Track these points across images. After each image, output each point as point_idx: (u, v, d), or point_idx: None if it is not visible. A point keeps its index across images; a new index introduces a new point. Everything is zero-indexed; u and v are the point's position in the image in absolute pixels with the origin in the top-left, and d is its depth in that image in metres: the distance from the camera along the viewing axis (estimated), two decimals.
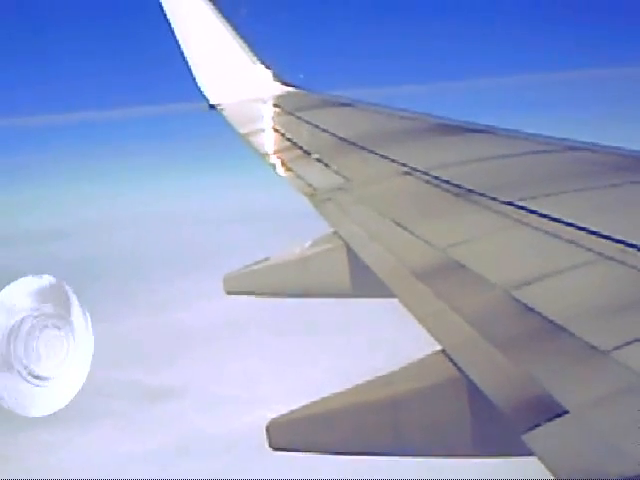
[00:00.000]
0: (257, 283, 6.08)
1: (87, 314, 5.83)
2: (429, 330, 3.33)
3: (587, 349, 2.73)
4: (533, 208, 4.38)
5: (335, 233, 5.45)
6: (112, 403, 21.67)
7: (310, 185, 6.39)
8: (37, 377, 5.66)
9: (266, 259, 6.09)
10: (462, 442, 3.23)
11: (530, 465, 2.44)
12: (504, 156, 6.14)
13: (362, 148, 7.13)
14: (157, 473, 17.58)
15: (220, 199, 41.59)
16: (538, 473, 2.33)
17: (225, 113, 10.91)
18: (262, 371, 22.38)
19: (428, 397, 3.25)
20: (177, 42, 11.86)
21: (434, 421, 3.27)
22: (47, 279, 5.85)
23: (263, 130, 9.82)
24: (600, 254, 3.54)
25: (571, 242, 3.77)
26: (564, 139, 6.45)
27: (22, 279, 5.84)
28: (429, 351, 3.33)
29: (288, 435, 3.52)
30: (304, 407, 3.48)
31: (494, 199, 4.73)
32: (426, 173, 5.75)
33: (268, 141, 9.04)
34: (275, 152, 8.24)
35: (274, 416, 3.55)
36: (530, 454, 2.37)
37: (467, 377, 2.94)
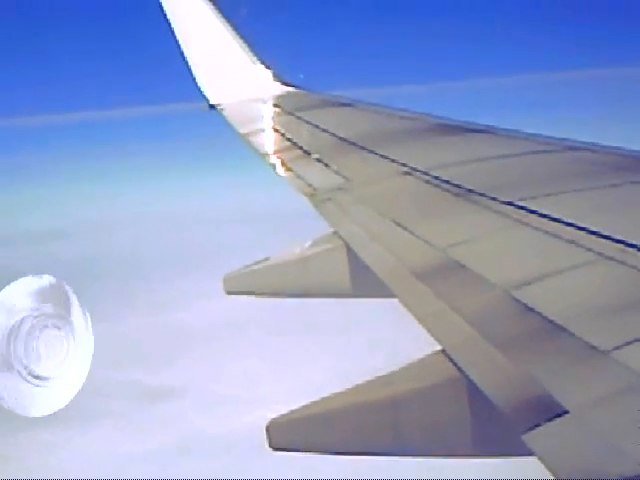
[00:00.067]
0: (257, 283, 6.08)
1: (87, 314, 5.83)
2: (429, 330, 3.33)
3: (587, 349, 2.73)
4: (533, 208, 4.38)
5: (335, 233, 5.45)
6: (112, 403, 21.67)
7: (310, 185, 6.39)
8: (37, 377, 5.66)
9: (266, 259, 6.09)
10: (462, 442, 3.23)
11: (530, 465, 2.44)
12: (504, 156, 6.14)
13: (362, 148, 7.13)
14: (157, 473, 17.58)
15: (220, 199, 41.59)
16: (538, 473, 2.33)
17: (225, 113, 10.91)
18: (262, 371, 22.38)
19: (428, 397, 3.25)
20: (177, 42, 11.86)
21: (434, 421, 3.27)
22: (47, 279, 5.85)
23: (263, 130, 9.82)
24: (600, 254, 3.54)
25: (571, 242, 3.77)
26: (564, 139, 6.45)
27: (22, 279, 5.84)
28: (429, 351, 3.33)
29: (288, 435, 3.52)
30: (304, 407, 3.48)
31: (494, 199, 4.73)
32: (426, 173, 5.75)
33: (268, 141, 9.04)
34: (275, 152, 8.24)
35: (274, 416, 3.55)
36: (530, 454, 2.37)
37: (467, 377, 2.94)
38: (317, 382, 19.44)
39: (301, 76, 12.24)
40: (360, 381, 3.50)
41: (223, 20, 11.93)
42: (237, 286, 6.10)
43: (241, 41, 11.92)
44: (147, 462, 18.24)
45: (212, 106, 11.48)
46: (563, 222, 4.04)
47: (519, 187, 4.96)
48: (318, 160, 7.11)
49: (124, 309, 27.76)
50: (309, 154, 7.42)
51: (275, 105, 11.04)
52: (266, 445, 3.52)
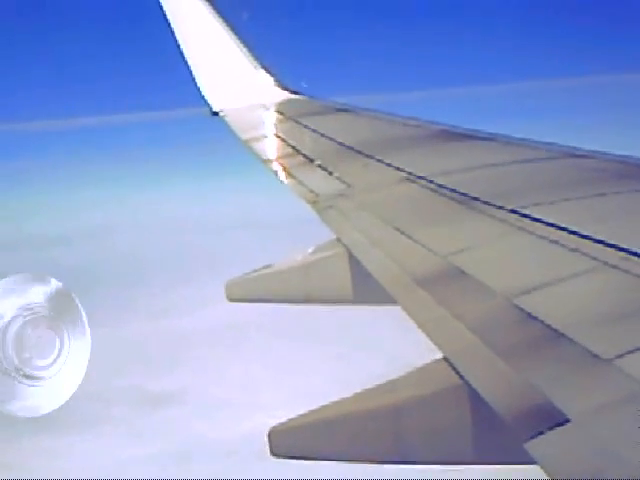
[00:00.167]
0: (259, 290, 6.07)
1: (83, 314, 5.81)
2: (430, 337, 3.33)
3: (589, 357, 2.73)
4: (535, 215, 4.38)
5: (337, 240, 5.45)
6: (113, 408, 21.67)
7: (312, 191, 6.39)
8: (30, 377, 5.64)
9: (268, 266, 6.09)
10: (464, 450, 3.23)
11: (532, 473, 2.44)
12: (506, 163, 6.14)
13: (364, 155, 7.14)
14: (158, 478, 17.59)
15: (222, 205, 41.61)
16: None
17: (227, 119, 10.91)
18: (263, 377, 22.37)
19: (430, 405, 3.25)
20: (179, 48, 11.87)
21: (436, 429, 3.26)
22: (40, 278, 5.83)
23: (265, 136, 9.83)
24: (603, 262, 3.54)
25: (574, 250, 3.76)
26: (565, 146, 6.45)
27: (8, 278, 5.81)
28: (431, 358, 3.33)
29: (289, 442, 3.52)
30: (305, 414, 3.48)
31: (496, 206, 4.73)
32: (428, 180, 5.75)
33: (270, 147, 9.05)
34: (277, 158, 8.25)
35: (275, 422, 3.55)
36: (532, 462, 2.37)
37: (469, 384, 2.94)
38: (318, 388, 19.42)
39: (304, 85, 12.24)
40: (361, 388, 3.50)
41: (225, 26, 11.94)
42: (239, 293, 6.10)
43: (243, 47, 11.92)
44: (148, 467, 18.22)
45: (214, 112, 11.48)
46: (565, 230, 4.04)
47: (521, 194, 4.96)
48: (320, 166, 7.11)
49: (125, 314, 27.78)
50: (311, 160, 7.42)
51: (277, 111, 11.04)
52: (267, 451, 3.52)
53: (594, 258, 3.60)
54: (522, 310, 3.22)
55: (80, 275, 26.29)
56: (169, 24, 11.85)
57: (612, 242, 3.72)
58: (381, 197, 5.82)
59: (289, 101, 11.38)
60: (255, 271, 6.10)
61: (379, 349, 21.92)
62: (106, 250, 36.46)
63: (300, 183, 6.77)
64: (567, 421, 2.43)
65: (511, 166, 6.06)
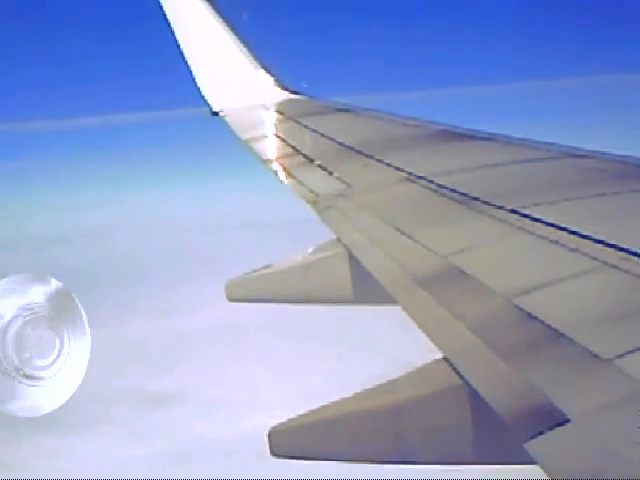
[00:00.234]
0: (259, 290, 6.07)
1: (83, 313, 5.81)
2: (431, 337, 3.33)
3: (589, 357, 2.73)
4: (535, 215, 4.38)
5: (337, 240, 5.45)
6: (113, 408, 21.67)
7: (312, 191, 6.39)
8: (30, 377, 5.64)
9: (268, 266, 6.09)
10: (464, 450, 3.23)
11: (532, 473, 2.44)
12: (506, 163, 6.14)
13: (364, 155, 7.14)
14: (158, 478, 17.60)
15: (222, 205, 41.60)
16: None
17: (227, 119, 10.91)
18: (263, 377, 22.38)
19: (430, 405, 3.25)
20: (179, 48, 11.87)
21: (436, 429, 3.26)
22: (41, 278, 5.83)
23: (265, 136, 9.83)
24: (604, 262, 3.54)
25: (574, 250, 3.76)
26: (566, 146, 6.45)
27: (8, 278, 5.81)
28: (431, 358, 3.33)
29: (289, 442, 3.52)
30: (306, 414, 3.48)
31: (496, 206, 4.73)
32: (428, 180, 5.75)
33: (270, 147, 9.05)
34: (277, 158, 8.25)
35: (275, 422, 3.55)
36: (532, 462, 2.37)
37: (469, 385, 2.94)
38: (318, 388, 19.42)
39: (304, 85, 12.24)
40: (361, 388, 3.50)
41: (225, 26, 11.94)
42: (239, 293, 6.10)
43: (243, 47, 11.92)
44: (148, 467, 18.22)
45: (214, 112, 11.48)
46: (565, 230, 4.04)
47: (521, 194, 4.96)
48: (320, 166, 7.11)
49: (125, 314, 27.78)
50: (311, 160, 7.42)
51: (277, 111, 11.04)
52: (267, 451, 3.52)
53: (594, 258, 3.60)
54: (522, 310, 3.22)
55: (80, 275, 26.28)
56: (169, 24, 11.86)
57: (612, 242, 3.72)
58: (381, 197, 5.82)
59: (289, 101, 11.38)
60: (255, 271, 6.10)
61: (379, 349, 21.93)
62: (106, 250, 36.47)
63: (300, 183, 6.77)
64: (567, 421, 2.43)
65: (511, 166, 6.06)
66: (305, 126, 9.21)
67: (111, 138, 49.86)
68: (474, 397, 2.87)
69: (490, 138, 7.24)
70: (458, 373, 3.06)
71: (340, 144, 7.86)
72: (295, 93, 11.72)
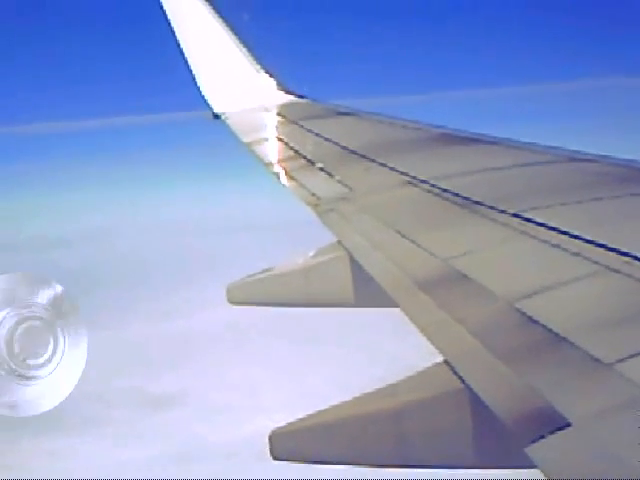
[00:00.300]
0: (260, 293, 6.07)
1: (80, 313, 5.79)
2: (431, 341, 3.33)
3: (590, 361, 2.73)
4: (537, 219, 4.38)
5: (338, 243, 5.45)
6: (114, 410, 21.67)
7: (314, 194, 6.39)
8: (23, 377, 5.61)
9: (269, 269, 6.09)
10: (465, 453, 3.23)
11: (532, 477, 2.44)
12: (507, 167, 6.14)
13: (365, 158, 7.14)
14: None
15: (223, 208, 41.59)
16: None
17: (229, 122, 10.91)
18: (263, 380, 22.38)
19: (431, 408, 3.25)
20: (181, 50, 11.87)
21: (437, 432, 3.26)
22: (38, 277, 5.81)
23: (267, 139, 9.83)
24: (606, 266, 3.53)
25: (576, 254, 3.76)
26: (568, 150, 6.45)
27: (6, 275, 5.79)
28: (431, 362, 3.33)
29: (290, 446, 3.52)
30: (307, 418, 3.48)
31: (498, 210, 4.73)
32: (429, 183, 5.75)
33: (272, 150, 9.04)
34: (279, 161, 8.25)
35: (275, 425, 3.55)
36: (533, 466, 2.37)
37: (470, 388, 2.94)
38: (318, 391, 19.43)
39: (306, 88, 12.24)
40: (362, 391, 3.50)
41: (227, 28, 11.94)
42: (240, 296, 6.10)
43: (245, 50, 11.92)
44: (148, 469, 18.22)
45: (216, 115, 11.48)
46: (567, 234, 4.04)
47: (523, 198, 4.96)
48: (322, 170, 7.11)
49: (126, 316, 27.79)
50: (313, 163, 7.43)
51: (279, 114, 11.04)
52: (267, 454, 3.52)
53: (596, 262, 3.60)
54: (523, 314, 3.22)
55: (81, 277, 26.30)
56: (171, 27, 11.86)
57: (614, 246, 3.72)
58: (383, 200, 5.82)
59: (291, 104, 11.38)
60: (256, 274, 6.10)
61: (380, 352, 21.93)
62: (107, 252, 36.47)
63: (302, 186, 6.77)
64: (568, 425, 2.43)
65: (513, 170, 6.06)
66: (307, 129, 9.21)
67: (112, 140, 49.89)
68: (475, 401, 2.87)
69: (492, 142, 7.24)
70: (459, 377, 3.05)
71: (342, 147, 7.86)
72: (297, 96, 11.72)
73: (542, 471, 2.31)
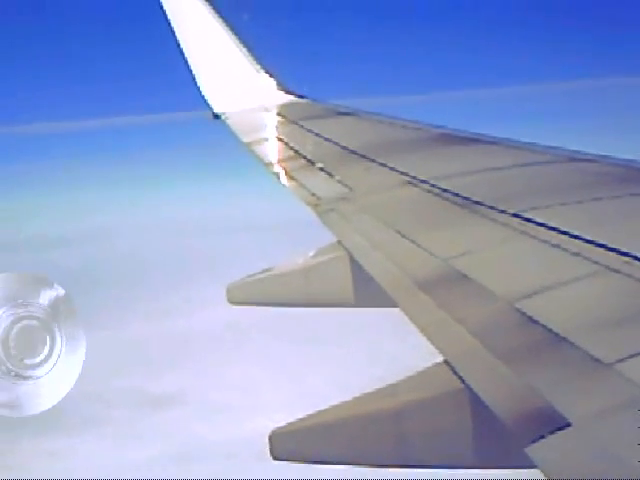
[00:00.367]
0: (260, 293, 6.07)
1: (77, 312, 5.78)
2: (431, 341, 3.33)
3: (590, 361, 2.73)
4: (537, 219, 4.38)
5: (339, 243, 5.45)
6: (114, 410, 21.67)
7: (314, 195, 6.39)
8: (20, 377, 5.60)
9: (269, 269, 6.09)
10: (465, 453, 3.23)
11: (532, 477, 2.44)
12: (508, 167, 6.14)
13: (365, 158, 7.14)
14: None
15: (223, 208, 41.60)
16: None
17: (229, 122, 10.91)
18: (263, 379, 22.38)
19: (431, 408, 3.25)
20: (181, 50, 11.87)
21: (437, 432, 3.26)
22: (35, 276, 5.80)
23: (267, 139, 9.83)
24: (606, 266, 3.53)
25: (576, 254, 3.76)
26: (568, 150, 6.45)
27: (4, 274, 5.78)
28: (431, 362, 3.33)
29: (290, 446, 3.52)
30: (307, 417, 3.48)
31: (498, 210, 4.73)
32: (429, 183, 5.75)
33: (272, 150, 9.04)
34: (279, 161, 8.25)
35: (275, 424, 3.55)
36: (533, 466, 2.37)
37: (470, 388, 2.94)
38: (318, 391, 19.44)
39: (306, 88, 12.24)
40: (362, 391, 3.50)
41: (227, 28, 11.94)
42: (240, 296, 6.10)
43: (245, 50, 11.92)
44: (148, 469, 18.22)
45: (216, 115, 11.48)
46: (567, 234, 4.04)
47: (523, 198, 4.96)
48: (322, 170, 7.11)
49: (126, 316, 27.79)
50: (313, 163, 7.43)
51: (279, 114, 11.05)
52: (267, 454, 3.52)
53: (596, 262, 3.60)
54: (523, 314, 3.22)
55: (81, 277, 26.33)
56: (171, 27, 11.86)
57: (614, 246, 3.72)
58: (383, 200, 5.82)
59: (291, 104, 11.38)
60: (256, 274, 6.11)
61: (380, 352, 21.94)
62: (107, 252, 36.46)
63: (302, 186, 6.77)
64: (568, 425, 2.43)
65: (513, 170, 6.06)
66: (307, 129, 9.21)
67: (112, 140, 49.93)
68: (475, 401, 2.87)
69: (492, 142, 7.24)
70: (459, 377, 3.06)
71: (342, 147, 7.86)
72: (297, 96, 11.72)
73: (542, 471, 2.31)
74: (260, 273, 6.11)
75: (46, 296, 5.64)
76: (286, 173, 7.46)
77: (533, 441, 2.42)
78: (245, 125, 10.52)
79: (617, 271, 3.45)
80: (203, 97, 11.73)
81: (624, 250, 3.64)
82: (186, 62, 11.83)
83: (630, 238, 3.92)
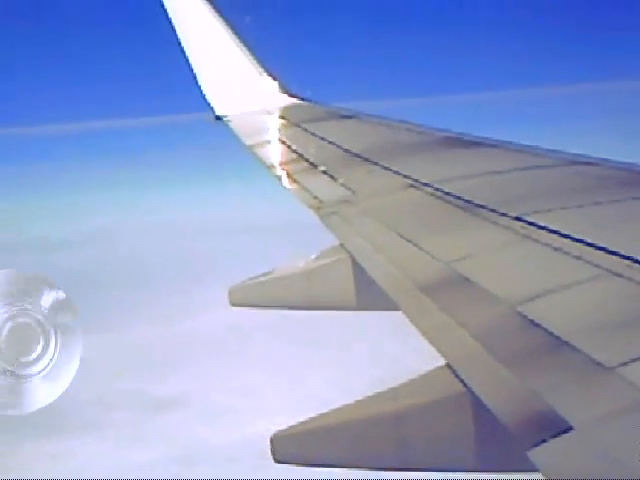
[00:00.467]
0: (262, 296, 6.08)
1: (75, 312, 5.78)
2: (433, 344, 3.32)
3: (592, 365, 2.73)
4: (539, 223, 4.38)
5: (341, 246, 5.45)
6: (116, 413, 21.67)
7: (316, 197, 6.39)
8: (16, 376, 5.60)
9: (271, 271, 6.10)
10: (466, 457, 3.23)
11: None
12: (510, 170, 6.14)
13: (368, 161, 7.14)
14: None
15: (226, 210, 41.60)
16: None
17: (231, 124, 10.91)
18: (265, 382, 22.37)
19: (432, 411, 3.25)
20: (184, 53, 11.88)
21: (438, 436, 3.26)
22: (31, 276, 5.80)
23: (269, 142, 9.83)
24: (608, 270, 3.53)
25: (578, 257, 3.76)
26: (571, 153, 6.44)
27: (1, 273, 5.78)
28: (433, 365, 3.33)
29: (292, 448, 3.52)
30: (308, 421, 3.48)
31: (500, 213, 4.73)
32: (431, 186, 5.75)
33: (274, 153, 9.05)
34: (281, 164, 8.25)
35: (277, 428, 3.55)
36: (534, 470, 2.36)
37: (472, 392, 2.94)
38: (320, 394, 19.43)
39: (308, 90, 12.24)
40: (363, 394, 3.50)
41: (229, 31, 11.94)
42: (242, 298, 6.11)
43: (247, 52, 11.92)
44: (150, 472, 18.22)
45: (218, 117, 11.48)
46: (569, 237, 4.04)
47: (525, 202, 4.95)
48: (324, 172, 7.11)
49: (128, 319, 27.78)
50: (315, 166, 7.43)
51: (281, 117, 11.05)
52: (269, 457, 3.52)
53: (597, 265, 3.60)
54: (525, 317, 3.22)
55: (82, 279, 26.34)
56: (173, 29, 11.86)
57: (615, 249, 3.72)
58: (385, 204, 5.82)
59: (293, 107, 11.38)
60: (258, 277, 6.11)
61: (382, 355, 21.94)
62: (109, 254, 36.47)
63: (304, 189, 6.77)
64: (570, 429, 2.43)
65: (515, 173, 6.05)
66: (309, 132, 9.21)
67: (114, 142, 49.97)
68: (477, 404, 2.87)
69: (494, 145, 7.24)
70: (461, 380, 3.05)
71: (344, 150, 7.86)
72: (299, 99, 11.72)
73: (544, 475, 2.31)
74: (262, 276, 6.11)
75: (43, 294, 5.64)
76: (288, 176, 7.46)
77: (535, 445, 2.42)
78: (247, 127, 10.53)
79: (619, 274, 3.45)
80: (205, 99, 11.73)
81: (625, 253, 3.64)
82: (188, 64, 11.84)
83: (631, 241, 3.91)
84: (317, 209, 6.07)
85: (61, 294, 5.66)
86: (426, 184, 5.85)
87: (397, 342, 20.01)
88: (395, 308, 3.91)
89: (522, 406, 2.67)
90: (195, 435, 20.10)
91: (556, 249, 3.94)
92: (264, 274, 6.10)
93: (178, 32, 11.84)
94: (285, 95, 11.80)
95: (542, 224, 4.33)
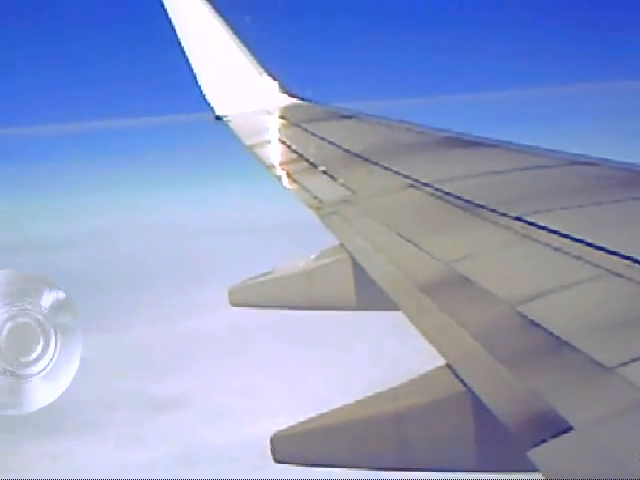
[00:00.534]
0: (262, 296, 6.08)
1: (74, 312, 5.77)
2: (433, 344, 3.32)
3: (592, 365, 2.73)
4: (539, 223, 4.38)
5: (341, 246, 5.45)
6: (116, 413, 21.67)
7: (316, 197, 6.39)
8: (15, 375, 5.60)
9: (271, 271, 6.10)
10: (466, 457, 3.23)
11: None
12: (510, 170, 6.14)
13: (368, 161, 7.14)
14: None
15: (226, 210, 41.59)
16: None
17: (231, 124, 10.91)
18: (265, 382, 22.37)
19: (433, 412, 3.25)
20: (184, 53, 11.88)
21: (438, 436, 3.26)
22: (30, 275, 5.80)
23: (269, 142, 9.83)
24: (608, 270, 3.53)
25: (578, 257, 3.76)
26: (571, 154, 6.44)
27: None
28: (433, 365, 3.33)
29: (292, 448, 3.52)
30: (308, 421, 3.48)
31: (500, 213, 4.73)
32: (431, 186, 5.75)
33: (274, 153, 9.04)
34: (281, 164, 8.24)
35: (277, 428, 3.55)
36: (534, 470, 2.36)
37: (472, 392, 2.94)
38: (320, 394, 19.43)
39: (309, 90, 12.24)
40: (364, 394, 3.50)
41: (230, 31, 11.94)
42: (242, 298, 6.11)
43: (247, 52, 11.92)
44: (150, 472, 18.22)
45: (218, 117, 11.48)
46: (569, 237, 4.04)
47: (525, 202, 4.95)
48: (324, 172, 7.11)
49: (128, 319, 27.78)
50: (315, 166, 7.43)
51: (281, 117, 11.05)
52: (269, 457, 3.52)
53: (597, 266, 3.60)
54: (525, 317, 3.22)
55: (83, 279, 26.34)
56: (173, 29, 11.86)
57: (615, 249, 3.72)
58: (385, 204, 5.82)
59: (293, 107, 11.38)
60: (258, 277, 6.11)
61: (382, 355, 21.94)
62: (109, 254, 36.47)
63: (304, 189, 6.77)
64: (570, 429, 2.43)
65: (515, 173, 6.05)
66: (309, 132, 9.21)
67: (114, 142, 49.97)
68: (477, 404, 2.87)
69: (494, 145, 7.23)
70: (461, 380, 3.05)
71: (344, 150, 7.86)
72: (299, 99, 11.72)
73: (544, 475, 2.31)
74: (262, 276, 6.11)
75: (43, 294, 5.64)
76: (288, 176, 7.46)
77: (535, 445, 2.42)
78: (247, 127, 10.53)
79: (619, 274, 3.45)
80: (205, 99, 11.73)
81: (625, 253, 3.64)
82: (188, 64, 11.84)
83: (631, 241, 3.91)
84: (317, 209, 6.07)
85: (61, 294, 5.65)
86: (426, 184, 5.85)
87: (397, 342, 20.02)
88: (395, 308, 3.91)
89: (522, 406, 2.67)
90: (195, 435, 20.10)
91: (556, 249, 3.94)
92: (264, 274, 6.10)
93: (178, 32, 11.84)
94: (285, 95, 11.80)
95: (542, 224, 4.33)
